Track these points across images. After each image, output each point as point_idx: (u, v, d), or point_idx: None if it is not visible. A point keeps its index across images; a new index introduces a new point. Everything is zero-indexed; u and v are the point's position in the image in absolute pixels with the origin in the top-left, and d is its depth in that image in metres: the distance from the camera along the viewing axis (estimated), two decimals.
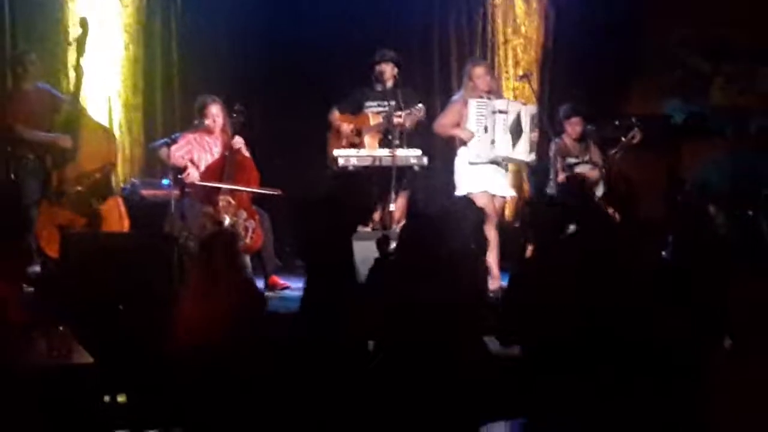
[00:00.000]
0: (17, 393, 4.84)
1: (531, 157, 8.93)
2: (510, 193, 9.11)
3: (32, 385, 4.91)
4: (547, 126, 9.14)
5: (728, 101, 11.22)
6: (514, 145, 8.74)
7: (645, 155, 10.21)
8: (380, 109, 9.04)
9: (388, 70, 9.07)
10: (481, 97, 8.77)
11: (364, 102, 9.13)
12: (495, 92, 8.95)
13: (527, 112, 8.84)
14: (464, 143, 8.74)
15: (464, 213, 6.09)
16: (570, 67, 10.87)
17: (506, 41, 10.89)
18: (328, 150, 9.05)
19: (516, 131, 8.75)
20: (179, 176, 8.50)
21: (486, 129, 8.67)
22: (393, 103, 8.81)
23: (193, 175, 8.49)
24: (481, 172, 8.72)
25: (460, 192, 8.72)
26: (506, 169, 8.89)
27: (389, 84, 9.05)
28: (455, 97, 9.08)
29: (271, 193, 8.50)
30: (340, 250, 5.62)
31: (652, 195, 9.91)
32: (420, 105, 8.88)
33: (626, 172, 9.56)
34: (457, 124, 8.81)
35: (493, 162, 8.73)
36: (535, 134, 8.88)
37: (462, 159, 8.81)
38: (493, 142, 8.68)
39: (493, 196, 8.71)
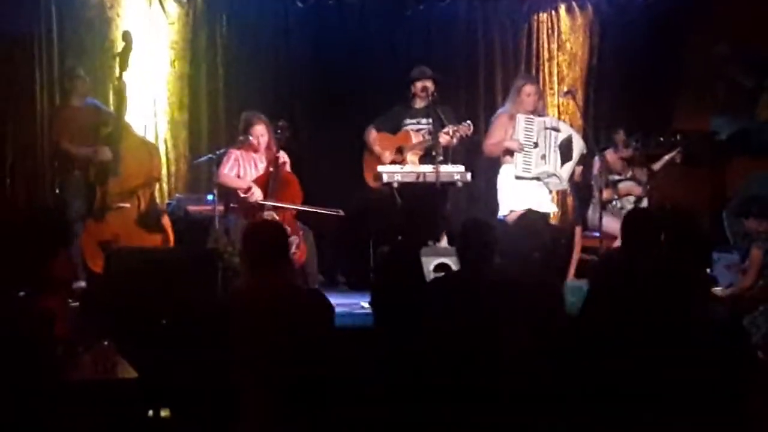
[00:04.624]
0: (62, 407, 4.88)
1: (565, 186, 8.98)
2: (553, 208, 9.12)
3: (77, 399, 4.94)
4: (592, 143, 9.12)
5: None
6: (562, 164, 8.73)
7: (689, 172, 10.18)
8: (419, 126, 9.05)
9: (429, 87, 9.06)
10: (527, 113, 8.77)
11: (403, 120, 9.12)
12: (539, 112, 8.92)
13: (579, 142, 8.84)
14: (510, 154, 8.73)
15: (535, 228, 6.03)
16: (614, 83, 10.84)
17: (551, 57, 10.86)
18: (364, 170, 9.08)
19: (565, 153, 8.74)
20: (240, 196, 8.51)
21: (536, 144, 8.66)
22: (431, 120, 8.83)
23: (257, 195, 8.46)
24: (525, 189, 8.70)
25: (503, 210, 8.70)
26: (548, 186, 8.85)
27: (428, 101, 9.05)
28: (500, 111, 9.05)
29: (330, 213, 8.49)
30: (411, 264, 5.68)
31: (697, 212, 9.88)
32: (468, 122, 8.86)
33: (670, 189, 9.53)
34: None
35: (537, 178, 8.72)
36: (580, 169, 8.89)
37: (506, 175, 8.78)
38: (543, 156, 8.67)
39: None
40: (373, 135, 9.13)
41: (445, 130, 8.73)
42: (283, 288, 4.99)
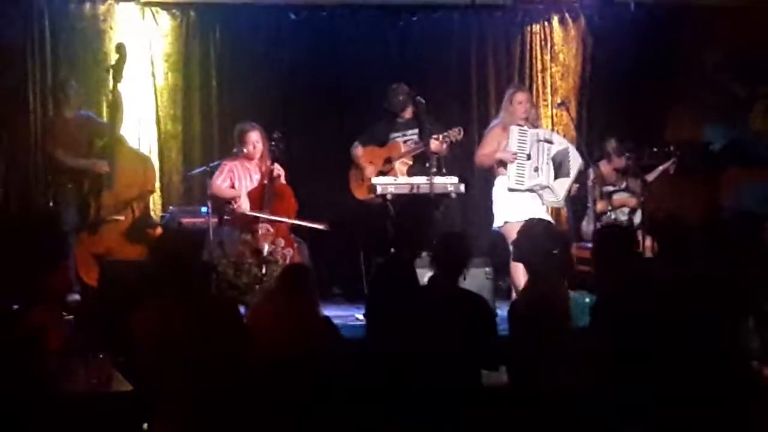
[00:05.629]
0: (57, 420, 4.86)
1: (560, 203, 8.95)
2: (548, 219, 9.09)
3: (72, 412, 4.93)
4: (585, 154, 9.11)
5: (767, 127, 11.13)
6: (555, 177, 8.69)
7: (683, 182, 10.17)
8: (406, 138, 9.05)
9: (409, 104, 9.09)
10: (520, 124, 8.74)
11: (389, 134, 9.12)
12: (532, 121, 8.90)
13: (577, 159, 8.77)
14: (504, 166, 8.69)
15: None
16: (608, 94, 10.84)
17: (544, 69, 10.86)
18: (350, 185, 9.09)
19: (560, 167, 8.68)
20: (230, 206, 8.52)
21: (529, 156, 8.62)
22: (419, 130, 8.86)
23: (244, 206, 8.47)
24: (519, 200, 8.67)
25: (498, 221, 8.68)
26: (541, 198, 8.80)
27: (410, 115, 9.07)
28: (494, 123, 9.02)
29: (314, 226, 8.48)
30: (406, 276, 5.72)
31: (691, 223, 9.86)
32: (459, 128, 8.84)
33: (664, 200, 9.53)
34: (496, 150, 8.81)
35: (531, 190, 8.69)
36: (576, 186, 8.84)
37: (500, 187, 8.75)
38: (536, 169, 8.62)
39: None
40: (359, 150, 9.14)
41: (435, 135, 8.70)
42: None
